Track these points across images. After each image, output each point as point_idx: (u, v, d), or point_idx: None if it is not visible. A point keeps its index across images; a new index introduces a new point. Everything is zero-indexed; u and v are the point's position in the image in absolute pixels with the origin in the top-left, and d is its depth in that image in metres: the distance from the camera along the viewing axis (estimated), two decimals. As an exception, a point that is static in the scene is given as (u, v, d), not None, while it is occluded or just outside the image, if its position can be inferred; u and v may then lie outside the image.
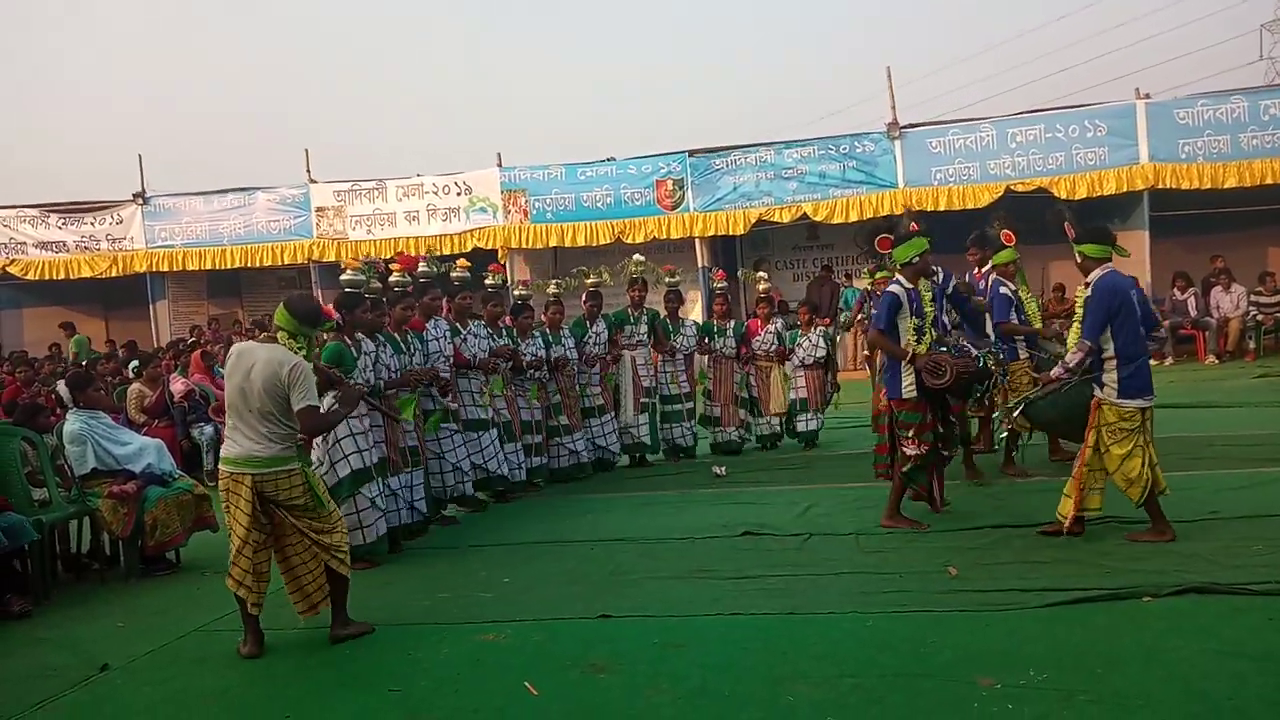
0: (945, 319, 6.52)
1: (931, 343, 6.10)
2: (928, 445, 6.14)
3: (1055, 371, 5.76)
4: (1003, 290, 7.60)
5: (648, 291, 9.46)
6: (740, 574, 5.48)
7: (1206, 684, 3.63)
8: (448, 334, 7.51)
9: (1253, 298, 14.86)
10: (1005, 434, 7.06)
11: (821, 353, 9.76)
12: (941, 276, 6.73)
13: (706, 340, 9.79)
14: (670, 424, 9.52)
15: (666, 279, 9.72)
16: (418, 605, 5.32)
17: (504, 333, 8.24)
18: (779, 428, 9.94)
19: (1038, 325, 7.79)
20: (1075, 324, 5.78)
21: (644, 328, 9.33)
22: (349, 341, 6.30)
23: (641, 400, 9.24)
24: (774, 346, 9.82)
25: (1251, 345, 14.78)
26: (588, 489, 8.54)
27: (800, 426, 9.80)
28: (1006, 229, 7.75)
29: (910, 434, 6.14)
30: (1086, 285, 5.60)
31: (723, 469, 8.75)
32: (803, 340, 9.83)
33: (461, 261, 8.33)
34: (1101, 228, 5.88)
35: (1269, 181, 14.96)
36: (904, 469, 6.20)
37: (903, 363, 6.09)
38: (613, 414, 9.16)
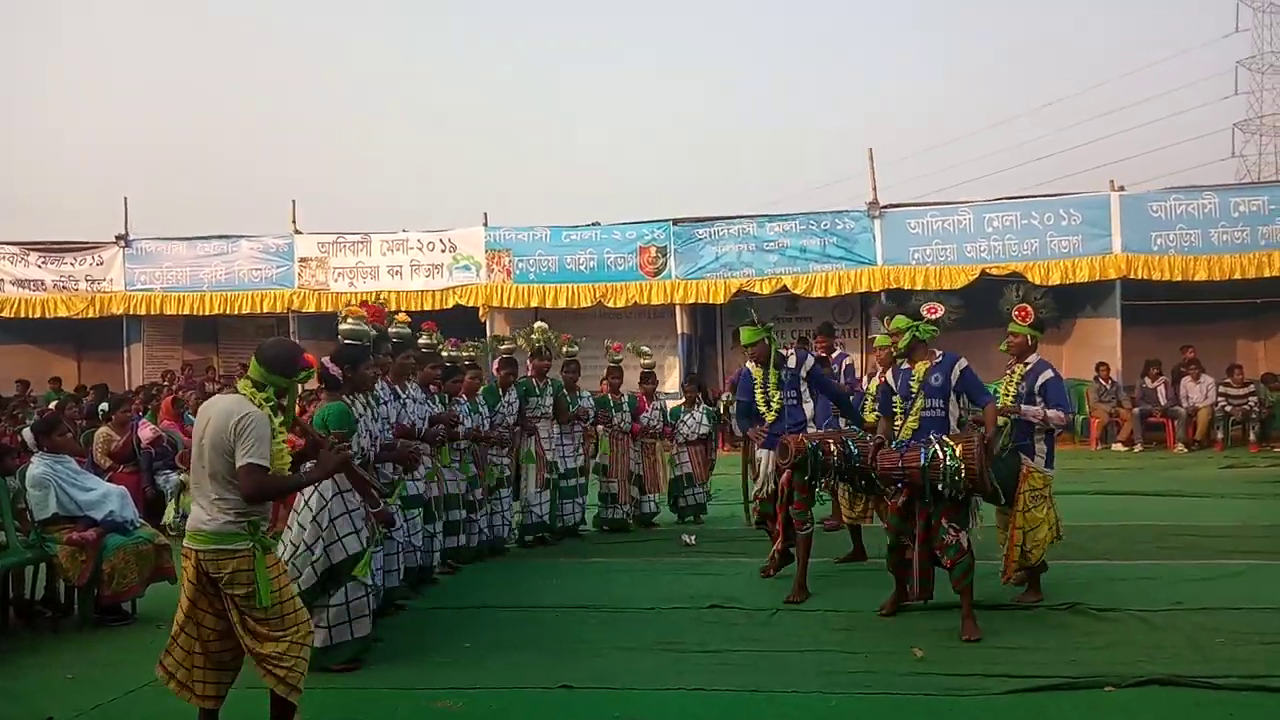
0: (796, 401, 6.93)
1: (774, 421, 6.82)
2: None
3: (1033, 412, 6.04)
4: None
5: (551, 362, 9.07)
6: (705, 647, 5.43)
7: (1166, 779, 3.62)
8: (392, 399, 6.52)
9: (1221, 389, 15.07)
10: None
11: (705, 429, 9.78)
12: (794, 361, 7.00)
13: (604, 413, 9.38)
14: (564, 499, 8.99)
15: (565, 349, 9.39)
16: (373, 668, 5.21)
17: (435, 399, 7.53)
18: (657, 506, 9.75)
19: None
20: (1007, 393, 6.20)
21: (549, 399, 8.81)
22: (348, 401, 5.54)
23: (545, 475, 8.76)
24: (660, 423, 9.75)
25: (1220, 436, 14.95)
26: (553, 554, 8.44)
27: (683, 503, 9.75)
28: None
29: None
30: (1026, 364, 6.22)
31: (693, 538, 8.69)
32: (686, 417, 9.86)
33: (401, 315, 7.59)
34: (1047, 320, 6.72)
35: (1238, 276, 15.29)
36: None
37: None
38: (510, 490, 8.57)
